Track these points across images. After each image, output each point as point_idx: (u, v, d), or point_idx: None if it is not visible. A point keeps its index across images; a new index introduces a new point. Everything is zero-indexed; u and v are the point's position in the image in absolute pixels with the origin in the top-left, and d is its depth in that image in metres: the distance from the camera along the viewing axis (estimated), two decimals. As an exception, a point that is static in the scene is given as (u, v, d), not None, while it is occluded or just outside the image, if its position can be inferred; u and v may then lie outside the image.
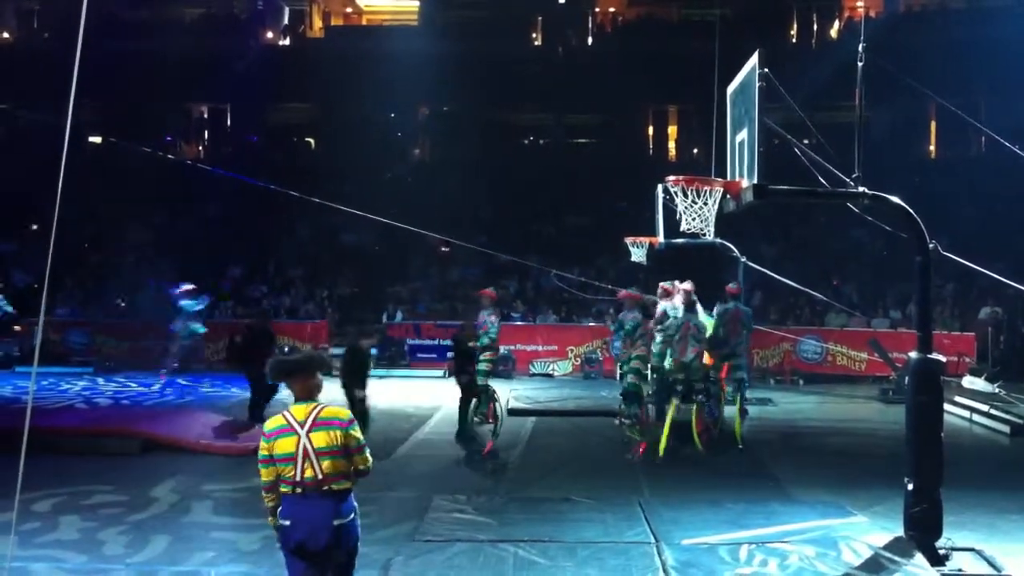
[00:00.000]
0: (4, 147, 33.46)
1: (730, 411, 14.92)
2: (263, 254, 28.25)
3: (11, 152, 31.22)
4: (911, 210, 8.67)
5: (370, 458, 5.87)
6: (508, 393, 17.87)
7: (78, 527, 9.42)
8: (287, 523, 5.70)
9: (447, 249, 26.87)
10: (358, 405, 12.55)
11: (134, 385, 19.49)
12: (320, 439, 5.66)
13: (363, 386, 12.96)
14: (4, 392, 18.47)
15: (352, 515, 5.79)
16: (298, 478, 5.66)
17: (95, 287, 25.90)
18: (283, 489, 5.74)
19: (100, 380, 20.27)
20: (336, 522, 5.69)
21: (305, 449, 5.65)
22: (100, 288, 25.82)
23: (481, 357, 13.38)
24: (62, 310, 24.01)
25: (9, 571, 6.83)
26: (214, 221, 27.95)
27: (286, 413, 5.78)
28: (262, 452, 5.76)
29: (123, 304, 25.50)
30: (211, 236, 27.07)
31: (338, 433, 5.71)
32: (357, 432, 5.80)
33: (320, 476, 5.66)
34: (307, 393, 5.83)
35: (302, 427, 5.69)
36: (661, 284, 15.54)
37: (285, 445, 5.69)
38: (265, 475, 5.79)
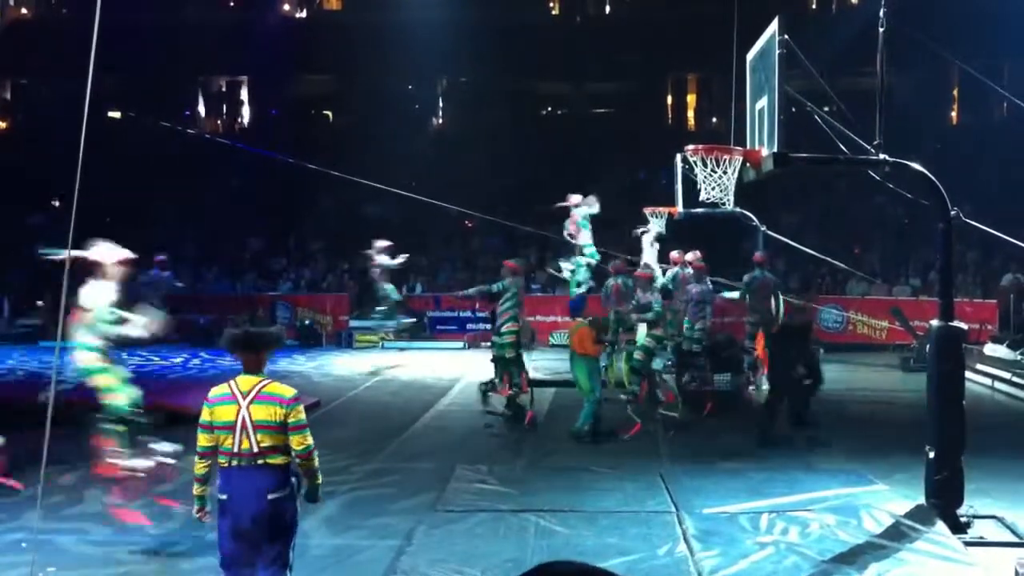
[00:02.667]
0: (27, 122, 33.64)
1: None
2: (284, 227, 28.31)
3: (34, 127, 31.36)
4: (933, 177, 8.61)
5: (310, 440, 5.83)
6: (528, 364, 17.90)
7: (103, 499, 9.51)
8: (224, 497, 5.73)
9: (471, 224, 26.82)
10: (796, 382, 12.37)
11: (157, 359, 19.62)
12: (259, 412, 5.69)
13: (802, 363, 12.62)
14: (29, 366, 18.63)
15: (288, 490, 5.78)
16: (235, 449, 5.68)
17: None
18: (220, 461, 5.76)
19: (123, 354, 20.36)
20: (271, 496, 5.70)
21: (243, 420, 5.68)
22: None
23: (503, 329, 13.41)
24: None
25: (35, 543, 6.91)
26: (235, 194, 27.99)
27: (231, 382, 5.81)
28: (203, 418, 5.80)
29: (145, 279, 25.64)
30: (232, 209, 27.12)
31: (278, 409, 5.72)
32: (299, 412, 5.80)
33: (256, 449, 5.68)
34: (256, 367, 5.86)
35: (244, 398, 5.71)
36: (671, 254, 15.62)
37: (225, 413, 5.71)
38: (203, 440, 5.82)
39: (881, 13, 8.86)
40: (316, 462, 5.92)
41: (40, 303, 23.19)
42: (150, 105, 27.95)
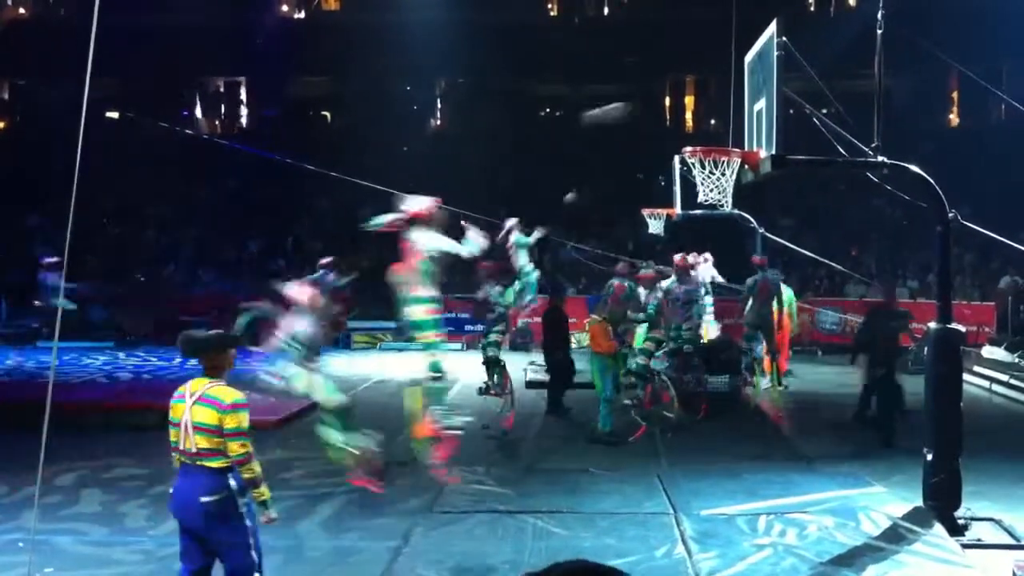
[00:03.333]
0: (25, 123, 33.63)
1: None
2: (282, 228, 28.29)
3: (32, 127, 31.34)
4: (930, 179, 8.61)
5: (247, 446, 5.77)
6: (526, 365, 17.88)
7: (100, 500, 9.51)
8: (171, 491, 5.91)
9: (467, 225, 26.71)
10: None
11: (154, 359, 19.61)
12: (198, 414, 5.73)
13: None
14: (26, 367, 18.61)
15: (224, 493, 5.74)
16: (181, 447, 5.78)
17: (116, 261, 26.01)
18: (174, 455, 5.88)
19: (121, 354, 20.39)
20: (204, 499, 5.70)
21: (186, 420, 5.74)
22: (121, 262, 25.94)
23: (493, 329, 13.39)
24: (83, 285, 24.10)
25: (33, 544, 6.90)
26: (233, 195, 27.99)
27: (189, 381, 5.90)
28: (168, 414, 5.92)
29: (143, 279, 25.66)
30: (230, 210, 27.12)
31: (214, 413, 5.72)
32: (237, 418, 5.75)
33: (194, 450, 5.74)
34: (213, 370, 5.88)
35: (191, 398, 5.78)
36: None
37: (176, 411, 5.82)
38: (170, 436, 5.90)
39: (879, 15, 8.86)
40: (255, 472, 5.82)
41: (37, 303, 23.15)
42: (148, 106, 27.91)
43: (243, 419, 5.79)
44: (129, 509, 9.18)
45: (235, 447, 5.74)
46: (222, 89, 35.44)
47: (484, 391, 13.74)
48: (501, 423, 12.97)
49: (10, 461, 9.85)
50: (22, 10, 34.79)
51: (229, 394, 5.81)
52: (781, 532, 8.23)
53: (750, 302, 15.56)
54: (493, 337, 13.41)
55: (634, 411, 12.99)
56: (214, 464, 5.74)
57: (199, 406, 5.74)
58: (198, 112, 34.62)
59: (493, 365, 13.40)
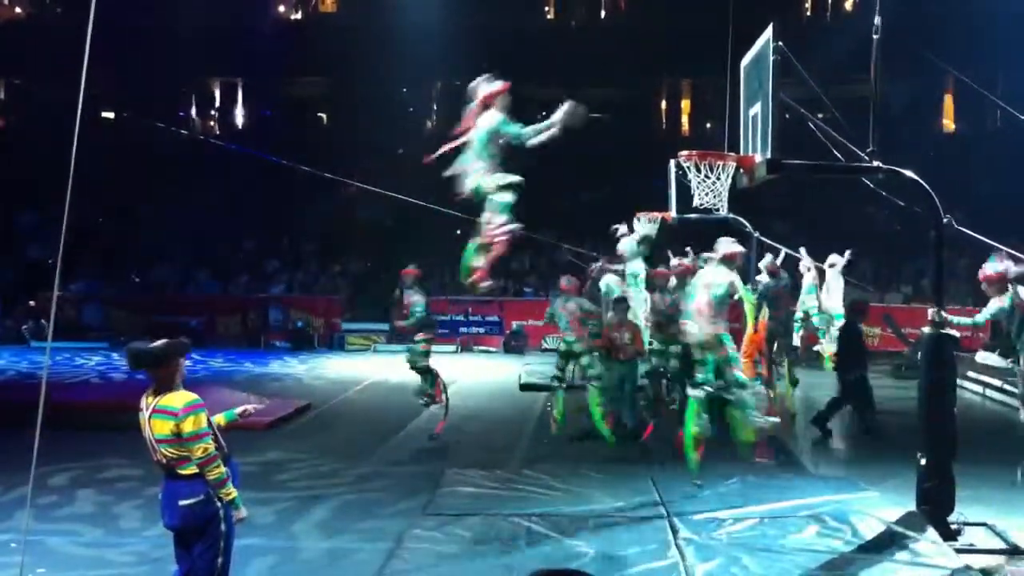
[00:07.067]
0: (22, 122, 33.56)
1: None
2: (277, 229, 28.27)
3: (29, 127, 31.28)
4: (925, 184, 8.62)
5: (208, 448, 5.70)
6: (520, 368, 17.89)
7: (94, 501, 9.50)
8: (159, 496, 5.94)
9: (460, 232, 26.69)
10: None
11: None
12: (156, 427, 5.70)
13: None
14: (20, 367, 18.58)
15: (202, 496, 5.74)
16: (154, 459, 5.80)
17: (111, 262, 25.98)
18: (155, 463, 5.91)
19: (115, 355, 20.36)
20: (182, 502, 5.74)
21: (148, 435, 5.74)
22: (116, 263, 25.91)
23: (416, 337, 12.81)
24: (77, 285, 24.09)
25: (26, 544, 6.88)
26: (228, 195, 27.94)
27: (144, 394, 5.84)
28: None
29: (137, 279, 25.65)
30: (225, 210, 27.07)
31: (169, 423, 5.66)
32: (193, 421, 5.67)
33: (164, 461, 5.75)
34: (162, 383, 5.77)
35: (147, 411, 5.75)
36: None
37: (142, 424, 5.80)
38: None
39: (876, 21, 8.87)
40: (220, 472, 5.76)
41: (32, 303, 23.14)
42: (144, 106, 27.88)
43: (201, 420, 5.72)
44: (123, 510, 9.17)
45: (196, 451, 5.69)
46: (219, 89, 35.38)
47: (426, 399, 13.18)
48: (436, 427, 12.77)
49: (3, 461, 9.84)
50: (18, 9, 34.72)
51: (181, 398, 5.73)
52: (774, 536, 8.23)
53: (765, 311, 15.38)
54: (421, 346, 12.79)
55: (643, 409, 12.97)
56: (187, 471, 5.73)
57: (156, 419, 5.69)
58: (194, 112, 34.57)
59: (423, 373, 12.92)
